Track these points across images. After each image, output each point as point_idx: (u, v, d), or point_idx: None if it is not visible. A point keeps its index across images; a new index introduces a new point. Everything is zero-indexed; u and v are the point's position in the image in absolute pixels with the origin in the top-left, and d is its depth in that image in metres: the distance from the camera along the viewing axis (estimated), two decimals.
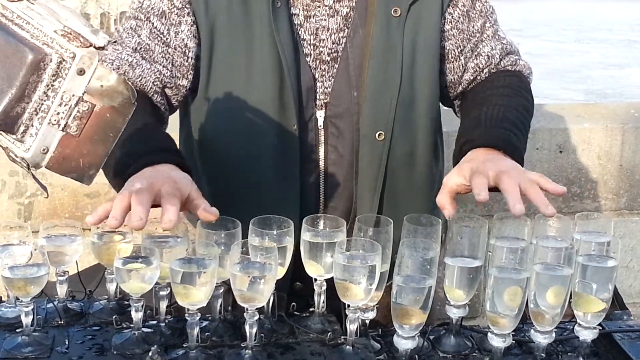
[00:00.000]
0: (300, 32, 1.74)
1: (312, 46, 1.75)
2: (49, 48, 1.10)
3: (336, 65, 1.75)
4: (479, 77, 1.87)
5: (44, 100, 1.12)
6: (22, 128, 1.12)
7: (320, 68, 1.76)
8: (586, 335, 1.47)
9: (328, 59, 1.75)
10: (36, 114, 1.12)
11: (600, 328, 1.50)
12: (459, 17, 1.83)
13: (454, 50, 1.84)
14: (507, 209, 1.46)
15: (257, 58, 1.71)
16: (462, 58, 1.85)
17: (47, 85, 1.11)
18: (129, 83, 1.17)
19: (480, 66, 1.86)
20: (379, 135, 1.75)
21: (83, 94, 1.13)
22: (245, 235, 1.50)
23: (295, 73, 1.72)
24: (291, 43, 1.72)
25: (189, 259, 1.42)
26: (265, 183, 1.75)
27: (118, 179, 1.56)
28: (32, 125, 1.13)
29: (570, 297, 1.44)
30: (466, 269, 1.50)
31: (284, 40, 1.71)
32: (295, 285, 1.72)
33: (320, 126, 1.76)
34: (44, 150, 1.14)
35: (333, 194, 1.79)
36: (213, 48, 1.73)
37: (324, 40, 1.75)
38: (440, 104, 1.90)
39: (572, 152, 3.28)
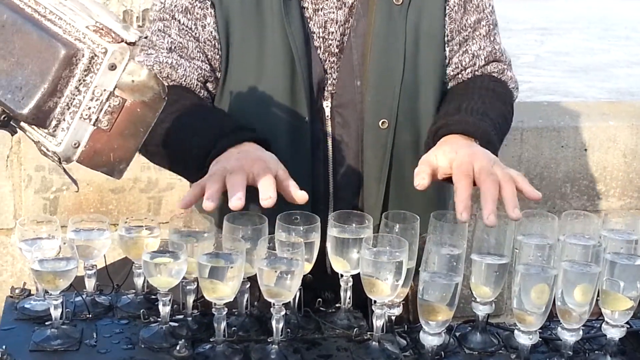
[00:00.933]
0: (310, 25, 1.75)
1: (321, 39, 1.76)
2: (81, 43, 1.11)
3: (342, 57, 1.76)
4: (460, 76, 1.85)
5: (76, 95, 1.13)
6: (54, 122, 1.13)
7: (329, 60, 1.77)
8: (614, 333, 1.46)
9: (337, 50, 1.76)
10: (68, 109, 1.13)
11: (628, 326, 1.49)
12: (454, 6, 1.81)
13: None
14: (532, 206, 1.45)
15: (269, 50, 1.73)
16: (446, 49, 1.83)
17: (79, 80, 1.12)
18: (159, 78, 1.18)
19: (463, 64, 1.84)
20: (383, 123, 1.75)
21: (114, 89, 1.14)
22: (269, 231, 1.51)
23: (307, 65, 1.73)
24: (302, 35, 1.73)
25: (216, 254, 1.43)
26: None
27: (195, 168, 1.57)
28: (64, 120, 1.13)
29: (598, 295, 1.44)
30: (493, 265, 1.50)
31: (295, 33, 1.72)
32: (306, 277, 1.71)
33: (327, 116, 1.77)
34: (75, 144, 1.15)
35: (341, 184, 1.79)
36: (228, 41, 1.75)
37: (332, 32, 1.76)
38: None
39: (597, 150, 3.26)
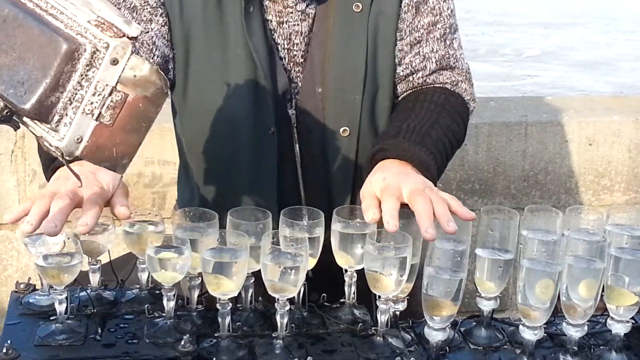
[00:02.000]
0: (275, 37, 1.74)
1: (286, 50, 1.74)
2: (83, 38, 1.11)
3: (305, 64, 1.75)
4: (411, 79, 1.79)
5: (78, 90, 1.12)
6: (56, 117, 1.13)
7: (295, 70, 1.75)
8: (619, 328, 1.46)
9: (302, 60, 1.75)
10: (70, 104, 1.13)
11: (633, 322, 1.49)
12: (405, 7, 1.76)
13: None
14: (536, 201, 1.45)
15: (233, 62, 1.71)
16: (395, 48, 1.78)
17: (81, 75, 1.12)
18: (162, 73, 1.18)
19: (414, 65, 1.78)
20: (344, 131, 1.75)
21: (116, 83, 1.14)
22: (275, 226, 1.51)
23: (271, 76, 1.72)
24: (265, 48, 1.71)
25: (220, 249, 1.43)
26: (243, 191, 1.76)
27: (46, 170, 1.57)
28: (67, 115, 1.13)
29: (603, 291, 1.43)
30: (498, 261, 1.49)
31: (258, 45, 1.70)
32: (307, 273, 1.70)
33: (293, 124, 1.76)
34: (78, 139, 1.15)
35: (311, 192, 1.79)
36: (189, 53, 1.73)
37: (297, 44, 1.74)
38: None
39: (601, 144, 3.26)
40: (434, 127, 1.68)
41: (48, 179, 1.54)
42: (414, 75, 1.80)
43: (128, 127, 1.17)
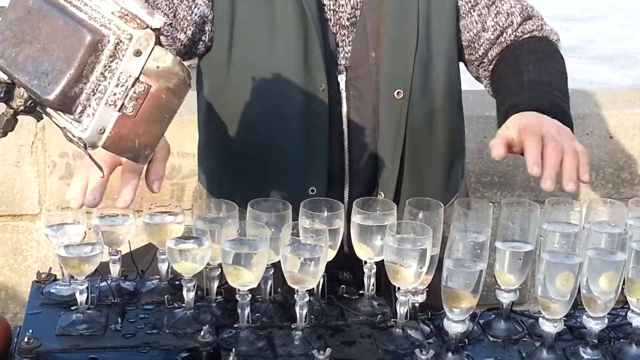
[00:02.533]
0: None
1: (332, 11, 1.76)
2: (107, 29, 1.11)
3: (355, 30, 1.76)
4: (502, 39, 1.84)
5: (101, 81, 1.13)
6: (79, 108, 1.14)
7: (341, 33, 1.77)
8: (639, 322, 1.45)
9: (347, 24, 1.76)
10: (93, 95, 1.13)
11: None
12: None
13: (464, 6, 1.82)
14: (556, 194, 1.44)
15: (281, 20, 1.72)
16: (474, 14, 1.83)
17: (105, 66, 1.12)
18: (185, 65, 1.18)
19: (501, 24, 1.83)
20: (398, 93, 1.76)
21: (139, 75, 1.14)
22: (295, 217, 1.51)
23: (322, 34, 1.73)
24: (316, 5, 1.73)
25: (240, 240, 1.44)
26: (292, 146, 1.76)
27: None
28: (90, 106, 1.14)
29: (624, 283, 1.43)
30: (518, 253, 1.49)
31: (310, 2, 1.72)
32: None
33: (342, 89, 1.77)
34: (100, 130, 1.15)
35: (357, 156, 1.79)
36: (234, 10, 1.74)
37: (343, 5, 1.75)
38: (468, 70, 1.90)
39: (622, 137, 3.23)
40: (549, 73, 1.74)
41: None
42: (505, 34, 1.84)
43: (151, 118, 1.17)
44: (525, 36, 1.85)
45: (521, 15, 1.85)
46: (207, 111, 1.85)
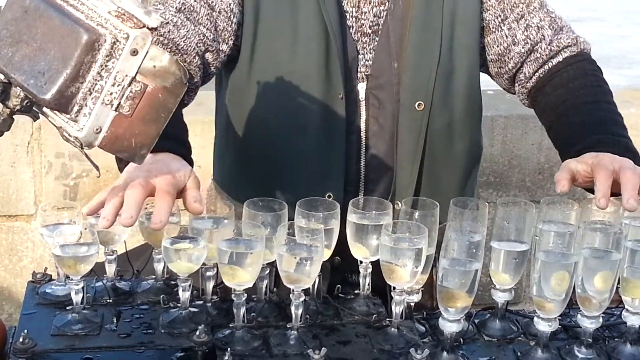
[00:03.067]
0: (343, 4, 1.75)
1: (354, 18, 1.76)
2: (103, 29, 1.11)
3: (377, 38, 1.76)
4: (537, 55, 1.84)
5: (98, 81, 1.13)
6: (76, 108, 1.14)
7: (362, 40, 1.76)
8: (634, 321, 1.46)
9: (369, 31, 1.76)
10: (90, 94, 1.14)
11: None
12: None
13: (493, 21, 1.83)
14: (551, 194, 1.45)
15: (303, 27, 1.72)
16: (504, 28, 1.83)
17: (101, 66, 1.12)
18: (181, 64, 1.19)
19: (532, 37, 1.83)
20: (419, 105, 1.76)
21: (136, 74, 1.14)
22: (291, 216, 1.52)
23: (342, 43, 1.73)
24: (337, 13, 1.73)
25: (236, 240, 1.44)
26: (310, 154, 1.76)
27: (119, 162, 1.55)
28: (86, 105, 1.14)
29: (618, 283, 1.43)
30: (513, 252, 1.49)
31: (330, 10, 1.72)
32: (334, 260, 1.71)
33: (361, 98, 1.77)
34: (97, 129, 1.15)
35: (374, 166, 1.80)
36: (258, 15, 1.74)
37: (365, 12, 1.75)
38: (496, 82, 1.90)
39: None
40: (608, 109, 1.80)
41: (121, 170, 1.52)
42: (538, 48, 1.84)
43: (147, 117, 1.17)
44: (562, 51, 1.85)
45: (551, 27, 1.85)
46: (226, 113, 1.86)
